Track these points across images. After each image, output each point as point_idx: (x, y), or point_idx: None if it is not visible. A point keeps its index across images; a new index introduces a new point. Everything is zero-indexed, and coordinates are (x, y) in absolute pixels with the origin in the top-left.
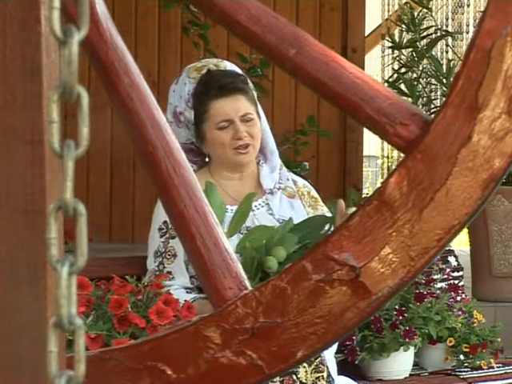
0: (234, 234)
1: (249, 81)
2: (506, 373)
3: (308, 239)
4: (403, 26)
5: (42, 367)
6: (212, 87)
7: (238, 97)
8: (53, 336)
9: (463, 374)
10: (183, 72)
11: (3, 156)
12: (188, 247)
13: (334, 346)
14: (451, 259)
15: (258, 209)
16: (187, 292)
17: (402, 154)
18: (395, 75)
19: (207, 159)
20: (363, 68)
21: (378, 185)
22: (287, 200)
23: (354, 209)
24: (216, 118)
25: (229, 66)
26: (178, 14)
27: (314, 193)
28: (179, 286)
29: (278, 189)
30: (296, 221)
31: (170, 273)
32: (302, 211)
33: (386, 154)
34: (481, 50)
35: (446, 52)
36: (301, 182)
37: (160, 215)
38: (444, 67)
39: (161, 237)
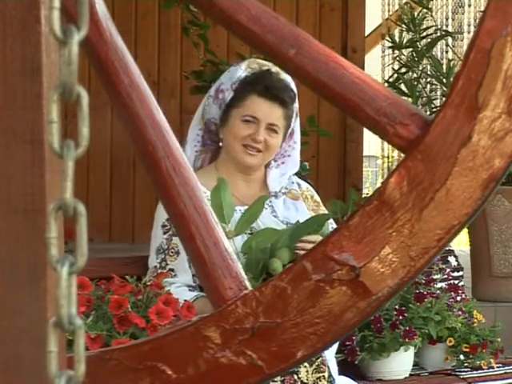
0: (240, 235)
1: (296, 104)
2: (505, 373)
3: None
4: (403, 25)
5: (42, 367)
6: (261, 83)
7: (276, 105)
8: (53, 336)
9: (463, 374)
10: (247, 60)
11: (3, 156)
12: (188, 247)
13: (335, 346)
14: (451, 259)
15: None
16: (189, 290)
17: (402, 154)
18: (395, 75)
19: (220, 144)
20: (363, 68)
21: (378, 185)
22: (291, 202)
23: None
24: (246, 110)
25: (291, 82)
26: (178, 14)
27: (316, 197)
28: (182, 284)
29: (283, 193)
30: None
31: (172, 270)
32: (306, 214)
33: (386, 154)
34: (481, 50)
35: (446, 52)
36: (304, 185)
37: (163, 212)
38: (444, 67)
39: (164, 234)
